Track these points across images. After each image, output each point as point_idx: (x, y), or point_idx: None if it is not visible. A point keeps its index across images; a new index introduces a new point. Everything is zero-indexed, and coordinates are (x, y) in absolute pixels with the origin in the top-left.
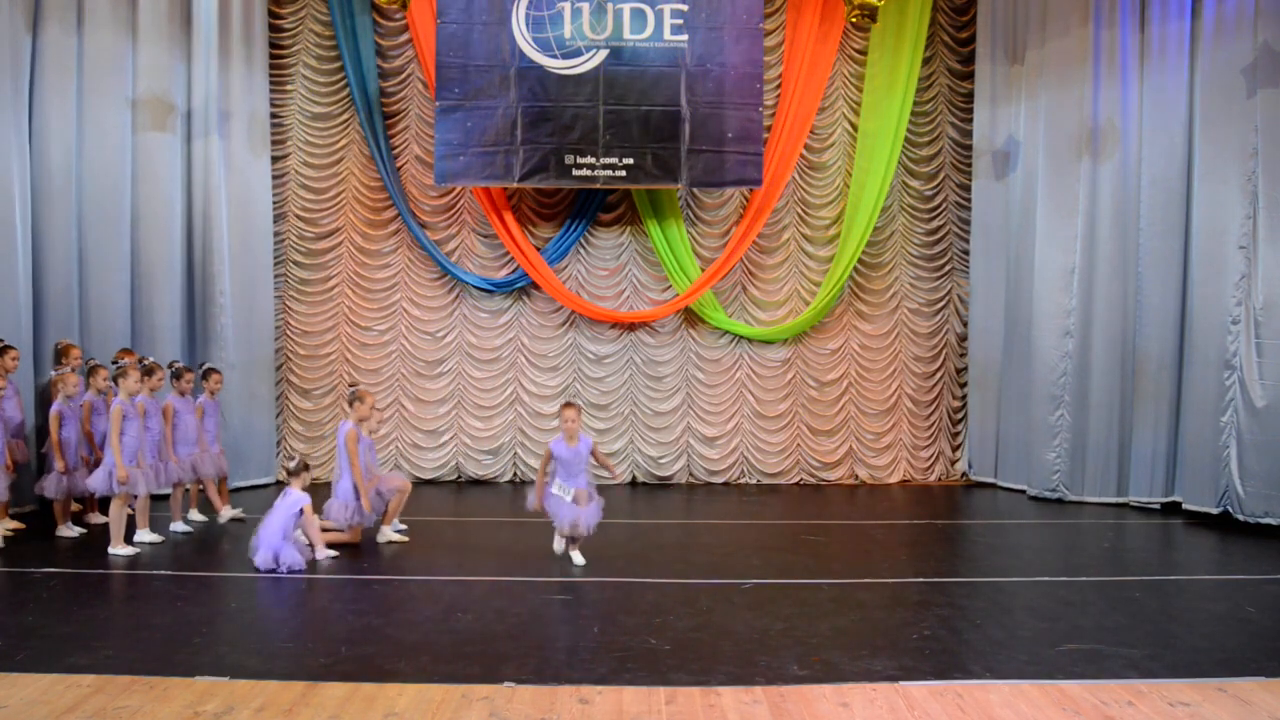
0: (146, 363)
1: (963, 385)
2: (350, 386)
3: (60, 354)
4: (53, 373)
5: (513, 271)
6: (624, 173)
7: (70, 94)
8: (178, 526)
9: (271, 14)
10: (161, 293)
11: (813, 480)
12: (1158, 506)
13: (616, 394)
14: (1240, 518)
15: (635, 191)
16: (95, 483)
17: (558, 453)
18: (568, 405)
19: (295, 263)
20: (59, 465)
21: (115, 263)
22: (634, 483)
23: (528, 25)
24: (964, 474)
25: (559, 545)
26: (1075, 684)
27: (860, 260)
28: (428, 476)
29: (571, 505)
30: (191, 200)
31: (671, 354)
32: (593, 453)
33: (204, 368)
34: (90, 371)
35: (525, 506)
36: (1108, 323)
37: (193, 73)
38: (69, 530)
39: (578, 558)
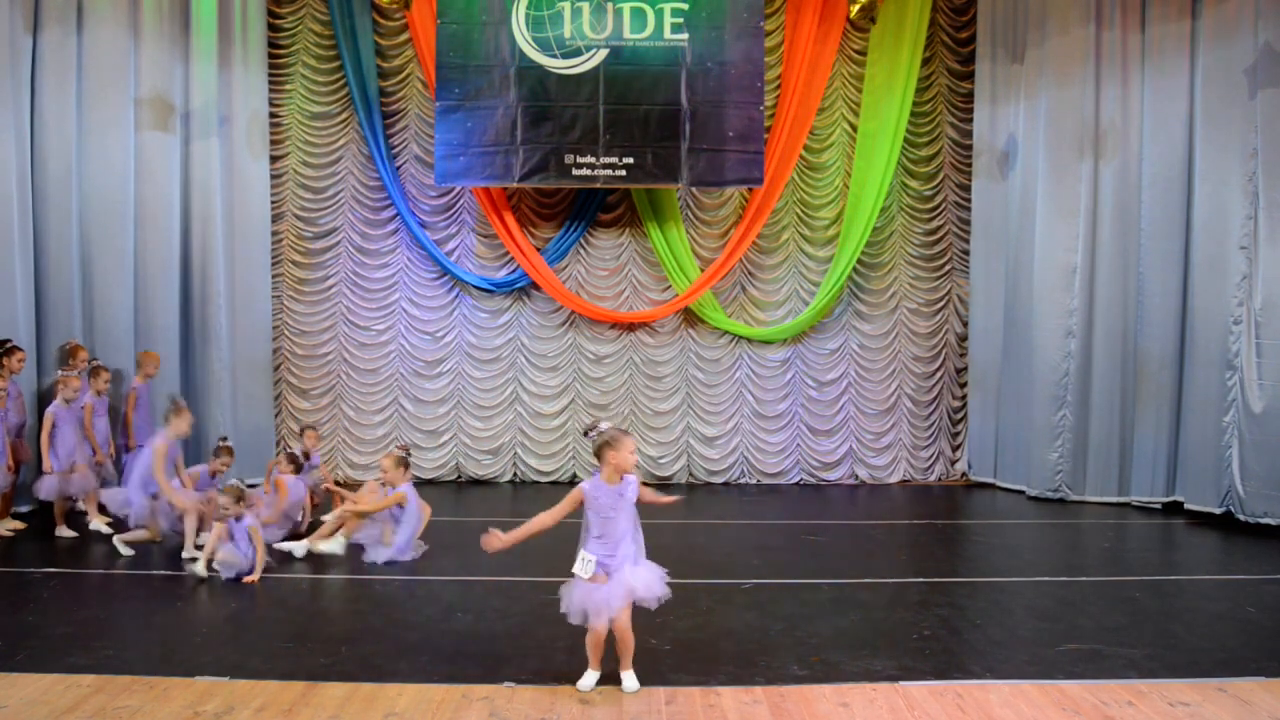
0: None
1: (963, 385)
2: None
3: (68, 355)
4: (58, 373)
5: (513, 271)
6: (624, 172)
7: (71, 94)
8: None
9: (271, 14)
10: (160, 292)
11: (813, 480)
12: (1159, 506)
13: (616, 394)
14: (1241, 518)
15: (635, 192)
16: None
17: (593, 496)
18: (627, 433)
19: (293, 262)
20: (46, 466)
21: (117, 262)
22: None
23: (528, 25)
24: (964, 474)
25: (587, 681)
26: (1075, 684)
27: (859, 260)
28: (428, 476)
29: (586, 584)
30: (190, 200)
31: (671, 354)
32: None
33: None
34: (92, 373)
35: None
36: (1109, 323)
37: (192, 72)
38: (66, 532)
39: (628, 682)
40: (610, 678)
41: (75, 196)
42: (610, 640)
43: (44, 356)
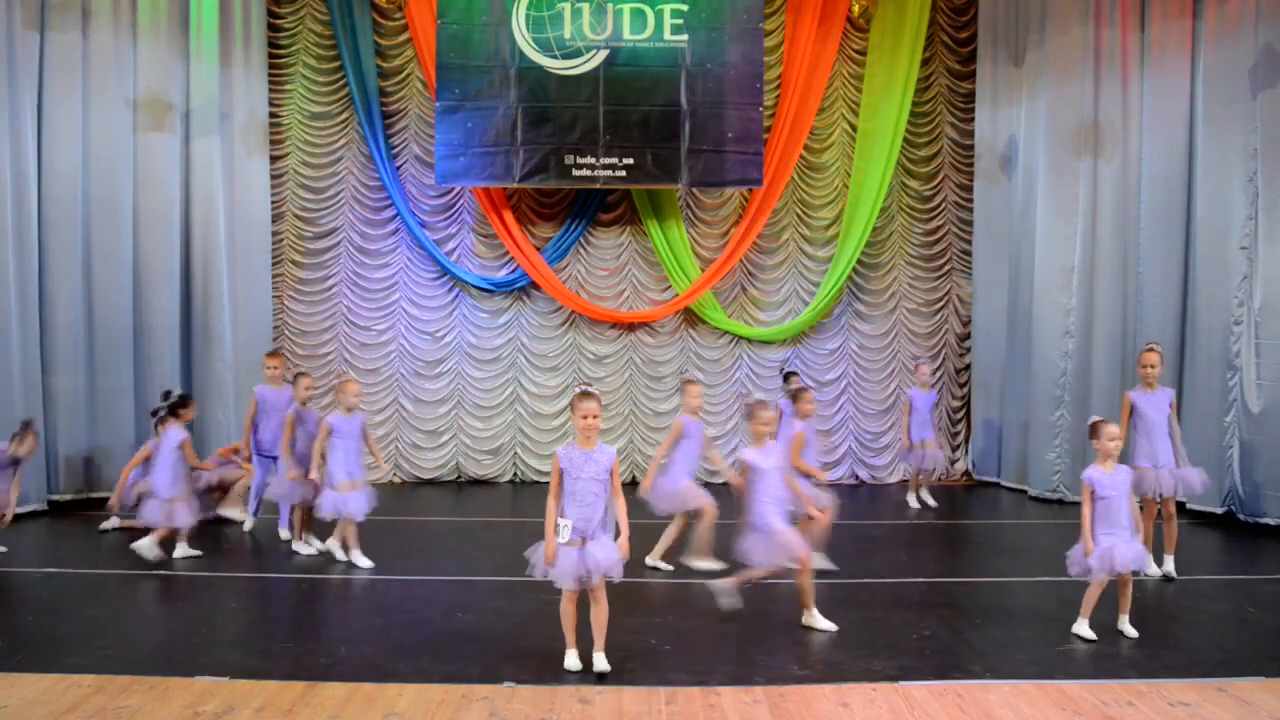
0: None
1: (962, 385)
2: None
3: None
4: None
5: (513, 271)
6: (624, 173)
7: (75, 95)
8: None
9: (271, 14)
10: (160, 293)
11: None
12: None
13: (616, 394)
14: (1242, 517)
15: (635, 191)
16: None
17: (566, 459)
18: (584, 395)
19: (294, 262)
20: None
21: (117, 263)
22: (634, 483)
23: (528, 25)
24: (966, 473)
25: (571, 661)
26: (1075, 684)
27: (859, 260)
28: (428, 476)
29: (570, 550)
30: (190, 200)
31: (671, 354)
32: (611, 472)
33: None
34: (293, 380)
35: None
36: (1108, 323)
37: (192, 73)
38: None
39: (599, 662)
40: (612, 677)
41: (79, 196)
42: (587, 625)
43: (45, 356)
